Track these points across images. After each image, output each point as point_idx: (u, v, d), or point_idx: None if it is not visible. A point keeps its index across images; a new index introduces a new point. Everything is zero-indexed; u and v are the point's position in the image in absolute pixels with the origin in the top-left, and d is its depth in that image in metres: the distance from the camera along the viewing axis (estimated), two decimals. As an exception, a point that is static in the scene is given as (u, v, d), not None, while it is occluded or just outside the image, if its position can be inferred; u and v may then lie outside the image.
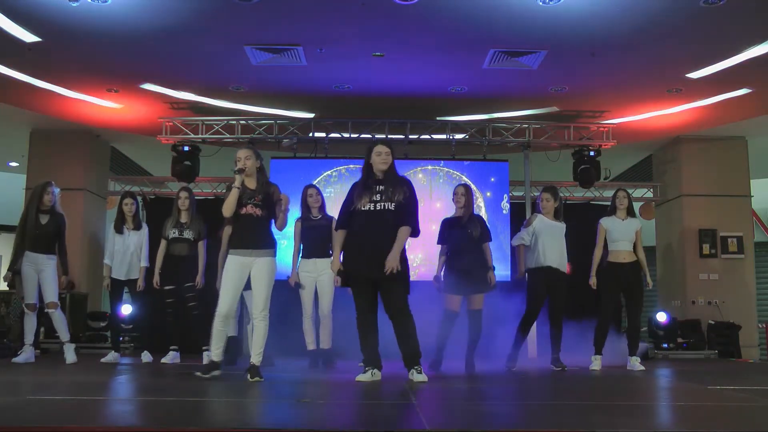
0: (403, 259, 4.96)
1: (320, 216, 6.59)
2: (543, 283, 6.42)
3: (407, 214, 4.93)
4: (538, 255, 6.46)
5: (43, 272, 6.42)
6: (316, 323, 6.58)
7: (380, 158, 4.97)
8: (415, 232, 4.96)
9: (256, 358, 4.84)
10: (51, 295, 6.45)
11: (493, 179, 9.04)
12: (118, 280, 6.95)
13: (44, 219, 6.47)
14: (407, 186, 5.01)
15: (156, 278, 6.78)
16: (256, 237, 4.89)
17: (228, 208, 4.86)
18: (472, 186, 8.89)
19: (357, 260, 4.92)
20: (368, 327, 4.91)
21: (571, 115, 9.14)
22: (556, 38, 6.74)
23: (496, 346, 6.70)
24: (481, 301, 6.13)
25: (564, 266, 6.51)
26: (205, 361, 5.67)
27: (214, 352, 4.91)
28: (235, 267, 4.87)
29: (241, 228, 4.90)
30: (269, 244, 4.94)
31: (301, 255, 6.59)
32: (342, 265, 4.99)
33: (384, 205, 4.88)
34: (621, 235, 6.45)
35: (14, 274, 6.52)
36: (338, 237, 5.05)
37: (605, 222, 6.54)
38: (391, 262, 4.78)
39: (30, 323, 6.49)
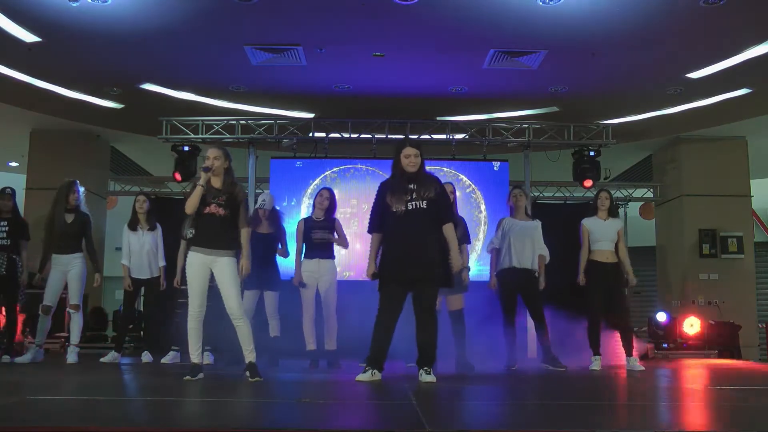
0: (439, 259, 4.97)
1: (324, 218, 6.59)
2: (511, 284, 6.47)
3: (442, 209, 4.97)
4: (505, 256, 6.54)
5: (71, 272, 6.43)
6: (317, 323, 6.57)
7: (409, 161, 4.95)
8: (455, 224, 5.07)
9: (250, 356, 4.83)
10: (74, 296, 6.46)
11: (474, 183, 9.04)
12: (138, 280, 6.94)
13: (69, 218, 6.49)
14: (435, 182, 5.01)
15: (178, 277, 6.76)
16: (218, 237, 4.84)
17: (190, 206, 4.83)
18: (472, 185, 8.91)
19: (393, 262, 4.89)
20: (386, 328, 4.85)
21: (571, 115, 9.14)
22: (556, 38, 6.74)
23: (494, 346, 6.69)
24: (460, 301, 6.14)
25: (535, 264, 6.51)
26: (206, 361, 5.67)
27: (194, 354, 4.83)
28: (196, 265, 4.83)
29: (204, 227, 4.85)
30: (230, 245, 4.89)
31: (303, 255, 6.58)
32: (377, 268, 4.96)
33: (416, 204, 4.89)
34: (602, 236, 6.47)
35: (43, 278, 6.55)
36: (374, 241, 5.02)
37: (587, 222, 6.56)
38: (455, 263, 4.99)
39: (43, 325, 6.50)
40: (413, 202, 4.89)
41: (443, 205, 5.01)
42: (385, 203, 4.94)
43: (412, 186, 4.92)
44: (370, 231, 5.06)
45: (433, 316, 4.89)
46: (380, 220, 4.99)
